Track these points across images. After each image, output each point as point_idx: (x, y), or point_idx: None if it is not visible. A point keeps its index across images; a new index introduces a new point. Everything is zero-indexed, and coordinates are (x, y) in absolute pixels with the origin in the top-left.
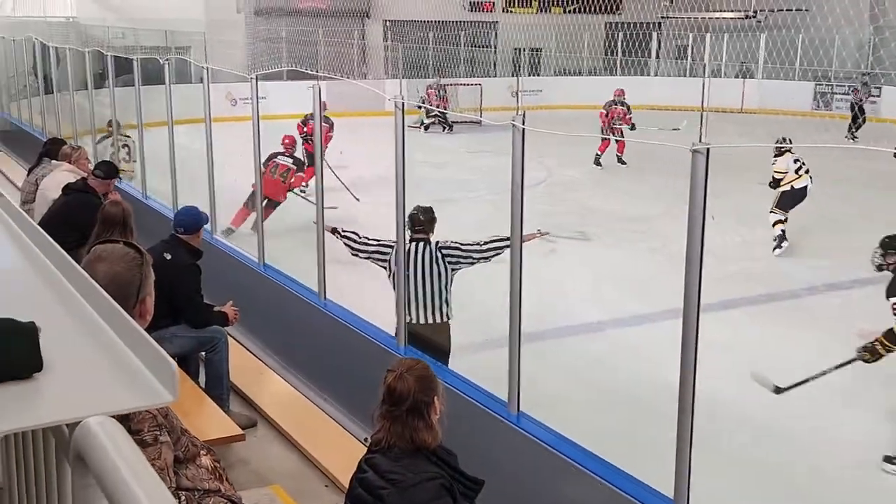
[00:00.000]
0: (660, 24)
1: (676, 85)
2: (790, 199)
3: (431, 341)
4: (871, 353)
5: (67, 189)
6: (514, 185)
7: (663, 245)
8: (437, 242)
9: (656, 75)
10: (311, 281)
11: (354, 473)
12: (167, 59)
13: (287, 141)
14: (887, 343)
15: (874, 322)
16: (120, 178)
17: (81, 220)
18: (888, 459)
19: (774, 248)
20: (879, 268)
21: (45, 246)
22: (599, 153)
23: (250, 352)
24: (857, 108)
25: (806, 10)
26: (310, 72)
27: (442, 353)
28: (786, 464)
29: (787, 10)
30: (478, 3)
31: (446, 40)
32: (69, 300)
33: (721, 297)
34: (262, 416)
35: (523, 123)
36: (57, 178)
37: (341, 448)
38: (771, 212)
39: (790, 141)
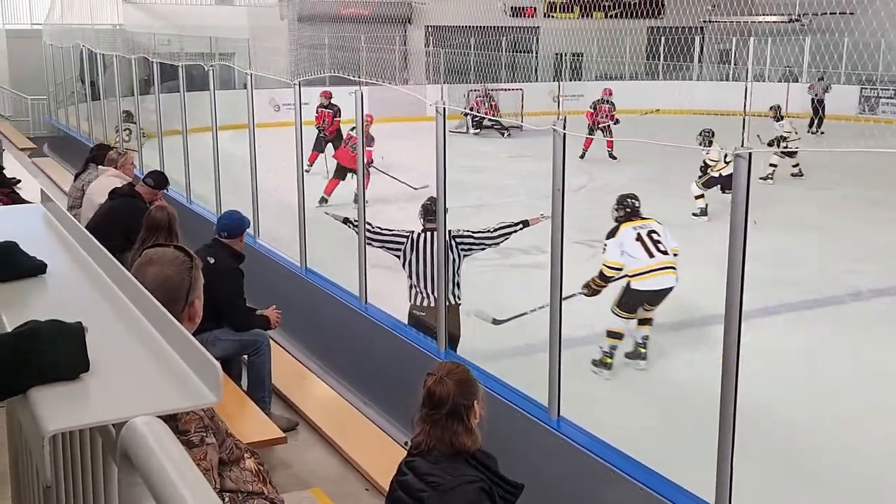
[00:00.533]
0: (702, 28)
1: (719, 89)
2: (714, 182)
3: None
4: (588, 289)
5: (114, 193)
6: (556, 189)
7: (706, 250)
8: (450, 231)
9: (699, 80)
10: (352, 285)
11: (394, 476)
12: (211, 66)
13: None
14: (599, 281)
15: None
16: (168, 188)
17: (127, 225)
18: None
19: (695, 215)
20: (617, 220)
21: (92, 250)
22: (585, 149)
23: (292, 355)
24: (815, 103)
25: (851, 14)
26: (352, 77)
27: (451, 337)
28: (829, 470)
29: (831, 13)
30: (519, 8)
31: (488, 45)
32: (116, 303)
33: (764, 304)
34: (304, 419)
35: (564, 128)
36: (103, 184)
37: (382, 451)
38: (697, 187)
39: (712, 133)
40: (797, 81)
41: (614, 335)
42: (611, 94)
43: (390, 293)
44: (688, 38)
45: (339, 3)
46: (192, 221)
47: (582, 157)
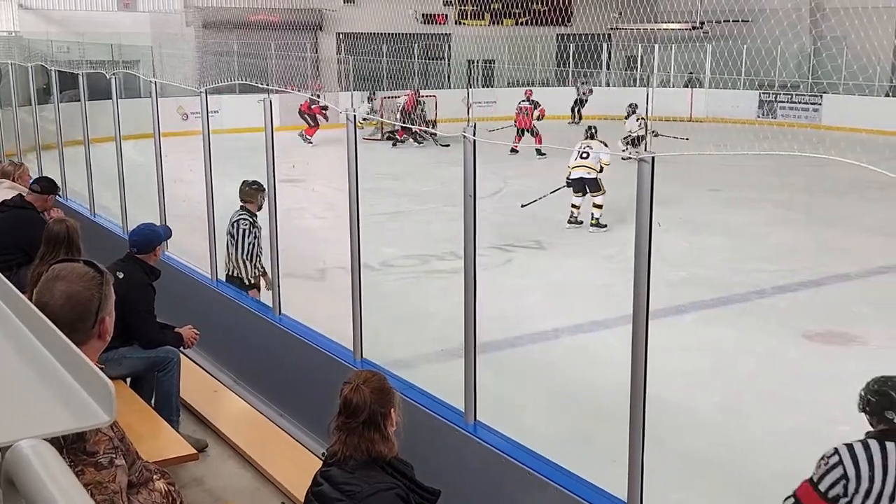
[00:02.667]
0: (609, 35)
1: (627, 95)
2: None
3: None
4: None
5: (3, 206)
6: (467, 195)
7: (619, 252)
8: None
9: (608, 86)
10: (265, 296)
11: (310, 487)
12: (114, 74)
13: None
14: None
15: (820, 323)
16: (60, 195)
17: (23, 238)
18: None
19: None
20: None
21: None
22: (515, 143)
23: (205, 370)
24: (578, 102)
25: (749, 21)
26: (261, 85)
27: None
28: (737, 464)
29: (731, 20)
30: (431, 15)
31: (400, 53)
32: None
33: (674, 303)
34: (217, 434)
35: (474, 135)
36: None
37: (298, 463)
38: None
39: (636, 105)
40: (700, 87)
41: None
42: (531, 94)
43: (304, 303)
44: (596, 45)
45: (246, 9)
46: (96, 235)
47: (512, 151)
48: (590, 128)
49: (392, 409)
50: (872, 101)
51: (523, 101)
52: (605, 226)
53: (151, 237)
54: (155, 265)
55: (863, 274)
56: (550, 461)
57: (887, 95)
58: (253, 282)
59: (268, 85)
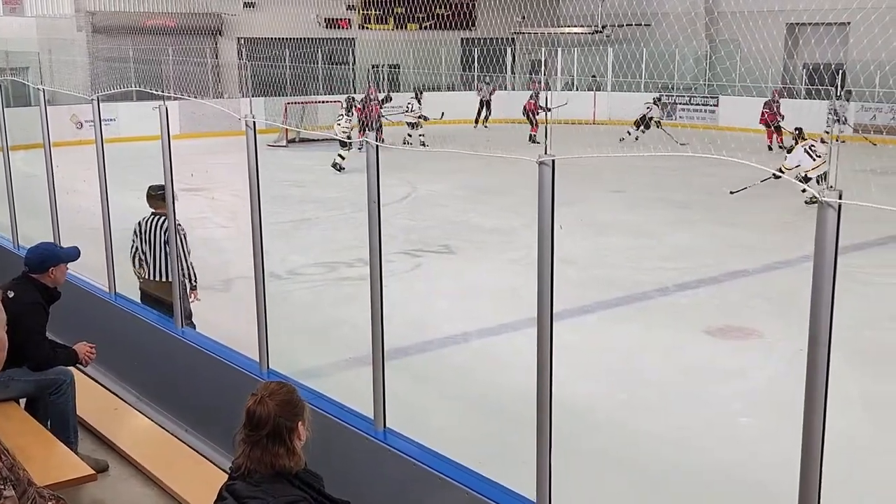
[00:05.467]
0: (513, 39)
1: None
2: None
3: (163, 297)
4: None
5: None
6: (371, 201)
7: (525, 255)
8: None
9: (513, 89)
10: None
11: (214, 502)
12: (0, 81)
13: None
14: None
15: (720, 318)
16: None
17: None
18: None
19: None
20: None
21: None
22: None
23: (105, 387)
24: (483, 103)
25: (648, 25)
26: (158, 92)
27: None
28: (644, 460)
29: (630, 24)
30: (334, 20)
31: (303, 58)
32: None
33: (580, 303)
34: (119, 453)
35: (377, 139)
36: None
37: (204, 479)
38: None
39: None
40: (602, 90)
41: None
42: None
43: (208, 315)
44: (500, 49)
45: (141, 14)
46: None
47: (405, 142)
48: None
49: (300, 423)
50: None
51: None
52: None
53: (46, 256)
54: (52, 285)
55: (760, 270)
56: (460, 464)
57: (780, 97)
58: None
59: (162, 91)
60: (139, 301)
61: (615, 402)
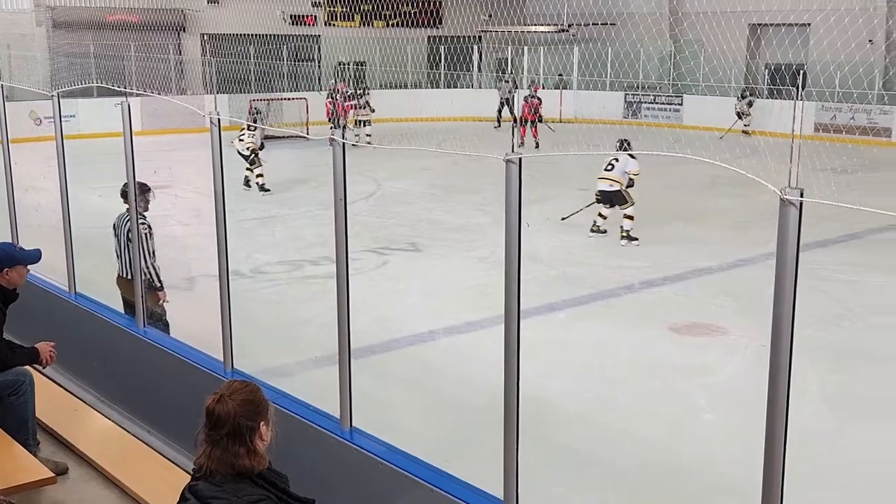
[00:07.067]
0: (480, 37)
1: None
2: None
3: (128, 296)
4: None
5: None
6: (337, 199)
7: (492, 253)
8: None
9: (480, 88)
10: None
11: (177, 503)
12: None
13: None
14: None
15: (685, 315)
16: None
17: None
18: None
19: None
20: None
21: None
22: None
23: (65, 389)
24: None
25: (613, 25)
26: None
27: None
28: (611, 456)
29: (596, 24)
30: (299, 16)
31: (268, 54)
32: None
33: (547, 300)
34: (79, 455)
35: (343, 137)
36: None
37: (167, 480)
38: None
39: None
40: (568, 88)
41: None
42: (538, 89)
43: (172, 314)
44: (467, 47)
45: (103, 9)
46: None
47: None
48: (622, 141)
49: (262, 423)
50: (728, 101)
51: (531, 95)
52: (637, 239)
53: (0, 257)
54: (9, 287)
55: (724, 267)
56: (427, 463)
57: (741, 97)
58: (161, 284)
59: (124, 88)
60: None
61: (582, 399)
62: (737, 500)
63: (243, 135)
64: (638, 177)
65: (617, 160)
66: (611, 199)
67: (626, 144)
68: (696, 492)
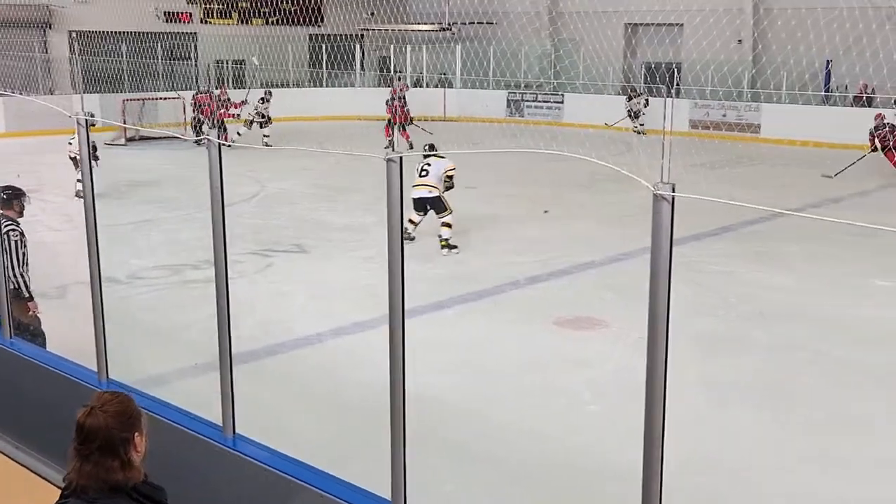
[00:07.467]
0: (361, 35)
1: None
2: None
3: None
4: None
5: None
6: (214, 201)
7: (378, 253)
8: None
9: (362, 86)
10: None
11: None
12: None
13: None
14: None
15: (569, 310)
16: None
17: None
18: None
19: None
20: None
21: None
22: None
23: None
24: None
25: (492, 24)
26: None
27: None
28: (500, 451)
29: (476, 22)
30: (173, 13)
31: (141, 52)
32: None
33: (435, 298)
34: None
35: (219, 137)
36: None
37: (38, 498)
38: None
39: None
40: (451, 87)
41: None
42: (406, 89)
43: (42, 323)
44: (348, 46)
45: None
46: None
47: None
48: (429, 146)
49: (136, 434)
50: (607, 98)
51: (393, 98)
52: (456, 247)
53: None
54: None
55: (605, 262)
56: (313, 467)
57: (618, 94)
58: (30, 294)
59: None
60: None
61: (469, 395)
62: (622, 485)
63: (73, 139)
64: (455, 172)
65: (430, 164)
66: (427, 205)
67: (432, 147)
68: (583, 481)
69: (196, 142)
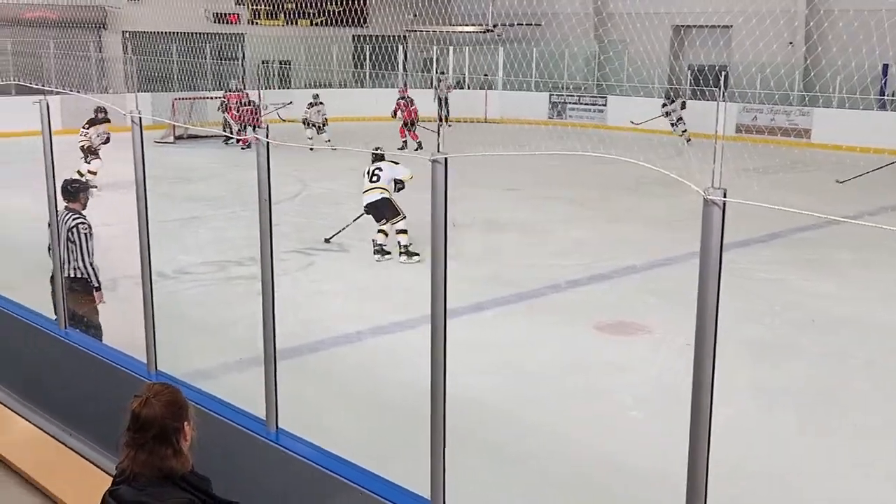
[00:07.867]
0: (405, 37)
1: (425, 96)
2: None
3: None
4: None
5: None
6: (262, 200)
7: (421, 252)
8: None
9: (406, 87)
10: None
11: None
12: None
13: None
14: None
15: (612, 314)
16: None
17: None
18: None
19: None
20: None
21: None
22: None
23: None
24: (442, 101)
25: (538, 25)
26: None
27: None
28: (539, 455)
29: (521, 24)
30: (222, 14)
31: (191, 53)
32: None
33: (474, 300)
34: None
35: (267, 137)
36: None
37: (90, 483)
38: None
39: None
40: (494, 89)
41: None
42: (405, 92)
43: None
44: (392, 47)
45: (20, 5)
46: None
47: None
48: (377, 149)
49: (186, 423)
50: (651, 101)
51: (402, 97)
52: (418, 255)
53: None
54: None
55: (648, 266)
56: (353, 464)
57: (660, 97)
58: (99, 284)
59: (43, 85)
60: None
61: (509, 396)
62: (665, 492)
63: (87, 129)
64: (412, 180)
65: (381, 169)
66: (380, 210)
67: (380, 149)
68: (625, 486)
69: (224, 141)
